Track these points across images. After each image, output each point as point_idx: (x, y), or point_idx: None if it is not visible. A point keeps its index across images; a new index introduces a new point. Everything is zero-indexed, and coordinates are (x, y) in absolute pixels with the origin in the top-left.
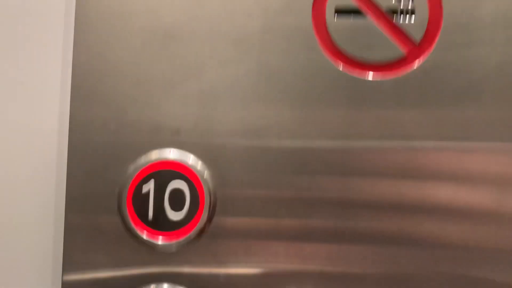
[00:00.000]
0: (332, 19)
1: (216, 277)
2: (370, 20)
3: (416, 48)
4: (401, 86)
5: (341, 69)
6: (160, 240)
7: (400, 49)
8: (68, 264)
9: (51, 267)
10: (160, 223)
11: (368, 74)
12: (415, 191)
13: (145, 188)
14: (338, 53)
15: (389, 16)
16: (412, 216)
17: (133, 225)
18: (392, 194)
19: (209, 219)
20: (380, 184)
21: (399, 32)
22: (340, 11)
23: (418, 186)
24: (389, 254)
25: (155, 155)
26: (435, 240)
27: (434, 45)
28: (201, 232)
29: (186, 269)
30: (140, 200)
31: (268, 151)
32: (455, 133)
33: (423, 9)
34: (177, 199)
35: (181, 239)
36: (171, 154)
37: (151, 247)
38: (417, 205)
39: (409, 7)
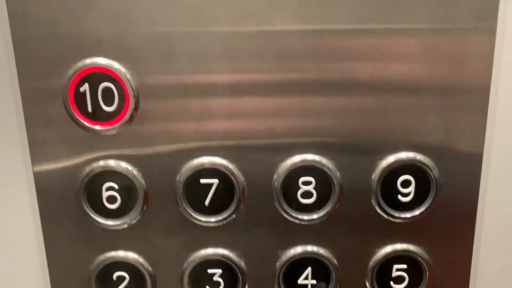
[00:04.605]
0: None
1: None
2: None
3: None
4: None
5: None
6: (99, 127)
7: None
8: (35, 156)
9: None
10: (98, 115)
11: None
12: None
13: (82, 89)
14: None
15: None
16: None
17: (77, 117)
18: None
19: (136, 108)
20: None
21: None
22: None
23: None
24: None
25: (87, 61)
26: None
27: None
28: (131, 118)
29: (126, 150)
30: (79, 98)
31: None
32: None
33: None
34: (108, 96)
35: (116, 125)
36: (100, 60)
37: (95, 132)
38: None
39: None
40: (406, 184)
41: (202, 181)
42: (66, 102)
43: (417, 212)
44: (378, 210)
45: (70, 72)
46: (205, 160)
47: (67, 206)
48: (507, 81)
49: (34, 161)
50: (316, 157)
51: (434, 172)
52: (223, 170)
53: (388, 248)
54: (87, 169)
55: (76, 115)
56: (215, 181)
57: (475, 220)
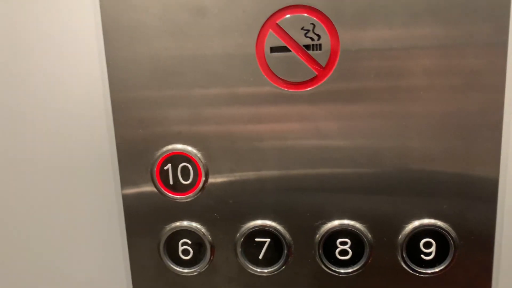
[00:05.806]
0: (269, 54)
1: (214, 217)
2: (293, 53)
3: (323, 70)
4: None
5: (278, 86)
6: (178, 196)
7: (314, 71)
8: (129, 217)
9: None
10: (177, 187)
11: (295, 88)
12: None
13: (165, 168)
14: (275, 77)
15: (304, 50)
16: None
17: (161, 189)
18: None
19: (206, 180)
20: None
21: (312, 60)
22: (273, 48)
23: None
24: None
25: (170, 147)
26: None
27: (334, 67)
28: (202, 189)
29: (197, 213)
30: (163, 174)
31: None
32: None
33: (327, 44)
34: (185, 172)
35: (190, 194)
36: (179, 146)
37: (174, 200)
38: None
39: (318, 43)
40: (428, 245)
41: (257, 239)
42: (154, 178)
43: (437, 269)
44: (404, 266)
45: (157, 154)
46: (259, 222)
47: (151, 257)
48: None
49: (127, 220)
50: (351, 222)
51: (453, 235)
52: (274, 231)
53: None
54: (167, 228)
55: (161, 187)
56: (267, 240)
57: (492, 275)
